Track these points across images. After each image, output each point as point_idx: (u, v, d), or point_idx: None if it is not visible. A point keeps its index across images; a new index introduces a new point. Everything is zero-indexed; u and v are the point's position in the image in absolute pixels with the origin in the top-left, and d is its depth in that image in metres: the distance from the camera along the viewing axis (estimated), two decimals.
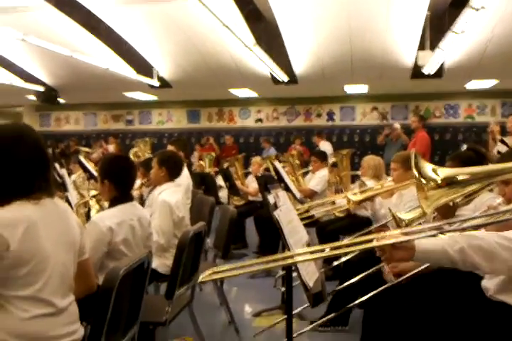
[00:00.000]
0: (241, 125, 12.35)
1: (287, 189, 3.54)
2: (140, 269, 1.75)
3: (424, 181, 1.42)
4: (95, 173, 4.65)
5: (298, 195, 3.71)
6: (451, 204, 2.48)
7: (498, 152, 5.49)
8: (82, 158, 5.10)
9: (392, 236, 1.47)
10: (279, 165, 3.64)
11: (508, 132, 5.94)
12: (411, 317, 1.98)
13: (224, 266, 1.56)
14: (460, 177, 1.39)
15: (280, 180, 3.65)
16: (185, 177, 3.80)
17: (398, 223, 2.45)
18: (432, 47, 7.39)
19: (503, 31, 7.04)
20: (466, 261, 1.50)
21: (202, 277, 1.51)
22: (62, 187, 3.63)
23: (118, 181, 2.36)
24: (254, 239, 5.62)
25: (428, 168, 1.43)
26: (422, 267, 2.10)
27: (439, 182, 1.39)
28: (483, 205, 2.59)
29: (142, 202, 3.65)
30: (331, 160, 4.90)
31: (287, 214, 1.90)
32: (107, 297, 1.47)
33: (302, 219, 4.08)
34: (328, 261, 3.45)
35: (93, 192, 3.29)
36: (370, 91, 10.74)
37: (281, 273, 4.54)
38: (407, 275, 2.14)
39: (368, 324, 2.35)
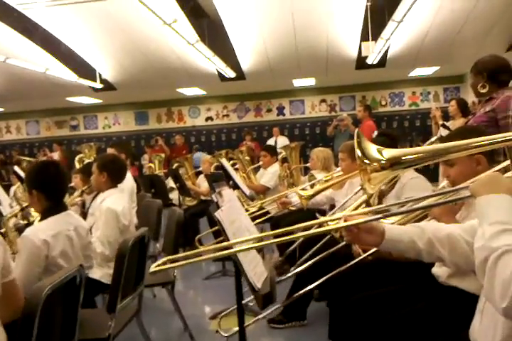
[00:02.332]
0: (191, 124, 12.15)
1: (236, 186, 3.44)
2: (71, 284, 1.61)
3: (367, 162, 1.34)
4: None
5: (247, 191, 3.62)
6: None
7: (441, 136, 5.61)
8: (17, 169, 4.80)
9: (360, 215, 1.41)
10: (225, 162, 3.53)
11: (450, 116, 6.07)
12: (372, 309, 1.94)
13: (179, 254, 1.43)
14: (405, 158, 1.32)
15: (228, 177, 3.55)
16: (128, 180, 3.63)
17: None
18: (374, 38, 7.48)
19: (443, 19, 7.19)
20: (433, 253, 1.45)
21: (154, 266, 1.37)
22: None
23: (48, 190, 2.18)
24: (209, 239, 5.51)
25: (372, 148, 1.36)
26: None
27: (384, 163, 1.31)
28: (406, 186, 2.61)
29: (85, 210, 3.47)
30: (281, 154, 4.84)
31: (231, 214, 1.80)
32: (30, 320, 1.32)
33: (257, 217, 4.05)
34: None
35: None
36: (317, 84, 10.80)
37: None
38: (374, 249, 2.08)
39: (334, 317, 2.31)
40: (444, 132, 5.65)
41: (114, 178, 2.96)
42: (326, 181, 3.58)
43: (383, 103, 11.74)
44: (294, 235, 1.36)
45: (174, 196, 6.04)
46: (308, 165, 4.54)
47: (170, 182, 6.24)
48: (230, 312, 3.36)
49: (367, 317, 1.92)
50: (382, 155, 1.33)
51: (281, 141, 9.96)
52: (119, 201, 2.86)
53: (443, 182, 2.31)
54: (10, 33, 7.03)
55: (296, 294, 2.59)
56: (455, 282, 1.80)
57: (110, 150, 4.30)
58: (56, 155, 10.35)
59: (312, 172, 4.48)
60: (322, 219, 1.51)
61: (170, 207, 5.90)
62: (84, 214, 3.38)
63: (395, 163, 1.32)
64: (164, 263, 1.36)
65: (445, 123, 5.75)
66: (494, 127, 2.68)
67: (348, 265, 2.23)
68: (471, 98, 10.98)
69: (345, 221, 1.38)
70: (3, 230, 2.59)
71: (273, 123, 11.44)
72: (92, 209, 3.41)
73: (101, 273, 2.69)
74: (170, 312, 3.21)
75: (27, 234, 2.08)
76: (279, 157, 4.85)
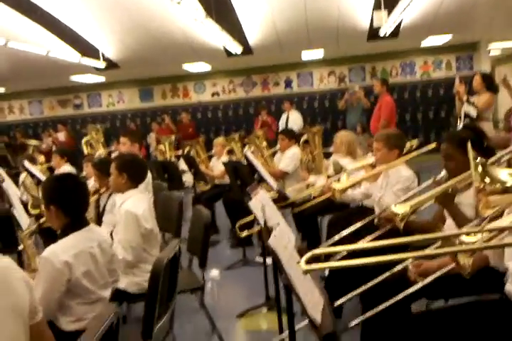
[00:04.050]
0: (197, 100, 11.83)
1: (262, 180, 3.22)
2: None
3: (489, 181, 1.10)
4: (43, 178, 4.19)
5: (275, 185, 3.41)
6: (449, 190, 2.24)
7: (466, 114, 5.33)
8: (27, 163, 4.57)
9: None
10: (251, 155, 3.30)
11: (474, 91, 5.75)
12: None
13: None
14: None
15: (253, 170, 3.33)
16: None
17: (393, 217, 2.20)
18: (387, 7, 7.10)
19: None
20: None
21: (304, 263, 1.14)
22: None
23: (67, 205, 1.97)
24: (225, 223, 5.35)
25: (502, 172, 1.12)
26: (448, 268, 1.83)
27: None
28: None
29: (99, 208, 3.27)
30: (302, 137, 4.59)
31: (282, 238, 1.57)
32: None
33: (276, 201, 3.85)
34: None
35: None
36: (326, 56, 10.41)
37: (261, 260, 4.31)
38: (433, 276, 1.87)
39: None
40: (468, 108, 5.39)
41: (135, 179, 2.74)
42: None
43: (394, 73, 11.36)
44: (402, 255, 1.11)
45: (186, 179, 5.84)
46: (331, 150, 4.31)
47: (181, 165, 6.04)
48: (256, 310, 3.24)
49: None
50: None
51: (294, 116, 9.63)
52: (139, 203, 2.64)
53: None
54: (11, 14, 6.70)
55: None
56: None
57: (123, 140, 4.06)
58: (61, 136, 10.12)
59: (335, 157, 4.26)
60: (455, 231, 1.26)
61: (184, 189, 5.74)
62: (99, 214, 3.18)
63: None
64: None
65: (470, 98, 5.47)
66: None
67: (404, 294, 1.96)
68: (483, 67, 10.68)
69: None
70: (21, 247, 2.38)
71: (281, 97, 11.11)
72: (109, 206, 3.21)
73: (126, 281, 2.51)
74: (194, 310, 3.03)
75: (46, 255, 1.87)
76: (301, 141, 4.61)
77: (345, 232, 2.63)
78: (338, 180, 3.04)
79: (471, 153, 1.19)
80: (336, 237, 2.63)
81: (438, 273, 1.84)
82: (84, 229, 2.02)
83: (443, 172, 2.39)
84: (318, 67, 11.34)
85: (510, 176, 1.09)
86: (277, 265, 1.45)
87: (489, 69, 10.53)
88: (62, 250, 1.90)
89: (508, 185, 1.06)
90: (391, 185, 2.95)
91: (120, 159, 2.81)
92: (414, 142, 3.42)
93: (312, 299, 1.51)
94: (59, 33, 7.68)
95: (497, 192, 1.08)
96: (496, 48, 11.06)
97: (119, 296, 2.42)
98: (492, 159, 2.24)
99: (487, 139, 2.34)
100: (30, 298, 1.31)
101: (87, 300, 1.95)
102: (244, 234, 3.97)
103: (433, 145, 3.01)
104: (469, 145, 1.18)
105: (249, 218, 3.98)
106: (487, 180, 1.10)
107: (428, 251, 1.24)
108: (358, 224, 2.61)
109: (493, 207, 1.12)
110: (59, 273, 1.85)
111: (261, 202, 2.34)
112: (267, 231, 1.86)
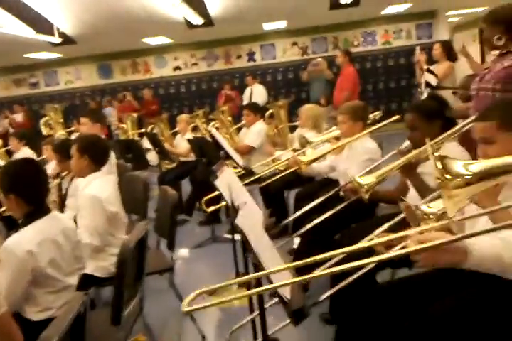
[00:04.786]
0: (158, 75, 11.55)
1: (228, 156, 3.19)
2: None
3: (449, 177, 1.09)
4: (1, 163, 4.03)
5: (241, 162, 3.38)
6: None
7: (426, 82, 5.38)
8: None
9: (435, 235, 1.12)
10: (216, 132, 3.25)
11: (434, 60, 5.80)
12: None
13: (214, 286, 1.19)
14: (497, 169, 1.07)
15: (219, 147, 3.28)
16: None
17: (358, 189, 2.22)
18: None
19: None
20: None
21: (186, 304, 1.12)
22: None
23: (27, 193, 1.90)
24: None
25: (457, 164, 1.11)
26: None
27: (470, 177, 1.07)
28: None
29: (62, 192, 3.18)
30: (268, 111, 4.55)
31: (248, 217, 1.56)
32: None
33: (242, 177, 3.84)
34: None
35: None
36: (288, 27, 10.28)
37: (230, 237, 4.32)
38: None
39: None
40: (428, 77, 5.43)
41: (97, 161, 2.66)
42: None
43: (355, 43, 11.34)
44: (342, 267, 1.10)
45: (151, 158, 5.75)
46: (296, 123, 4.29)
47: (144, 143, 5.93)
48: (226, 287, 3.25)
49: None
50: (469, 170, 1.08)
51: (258, 90, 9.53)
52: (103, 186, 2.58)
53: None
54: None
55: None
56: None
57: (84, 120, 3.93)
58: (19, 117, 9.75)
59: (301, 132, 4.26)
60: (378, 239, 1.26)
61: (149, 167, 5.65)
62: (62, 198, 3.10)
63: (484, 177, 1.08)
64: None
65: (430, 67, 5.51)
66: None
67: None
68: (442, 35, 10.78)
69: (419, 243, 1.12)
70: None
71: (244, 71, 10.97)
72: (71, 190, 3.13)
73: (93, 266, 2.48)
74: (165, 291, 3.01)
75: (9, 245, 1.81)
76: (266, 115, 4.57)
77: (310, 205, 2.64)
78: (304, 153, 3.04)
79: (429, 148, 1.18)
80: (301, 211, 2.64)
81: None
82: (47, 216, 1.96)
83: (406, 142, 2.41)
84: (280, 38, 11.21)
85: (465, 168, 1.08)
86: (245, 244, 1.44)
87: (448, 37, 10.63)
88: (25, 239, 1.84)
89: (468, 177, 1.06)
90: (356, 157, 2.97)
91: (81, 141, 2.71)
92: (378, 113, 3.44)
93: (281, 276, 1.52)
94: (10, 7, 7.28)
95: (460, 186, 1.07)
96: (454, 15, 11.14)
97: (87, 281, 2.38)
98: (453, 130, 2.27)
99: (449, 109, 2.36)
100: None
101: (54, 288, 1.92)
102: (211, 209, 3.94)
103: (397, 117, 3.03)
104: (428, 144, 1.16)
105: (215, 193, 3.96)
106: (447, 176, 1.09)
107: (393, 254, 1.21)
108: (323, 197, 2.62)
109: (460, 202, 1.12)
110: (23, 262, 1.80)
111: (227, 181, 2.32)
112: (234, 210, 1.85)
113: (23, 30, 7.61)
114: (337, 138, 3.26)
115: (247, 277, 1.29)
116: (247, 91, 9.64)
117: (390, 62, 11.23)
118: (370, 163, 2.92)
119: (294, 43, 11.31)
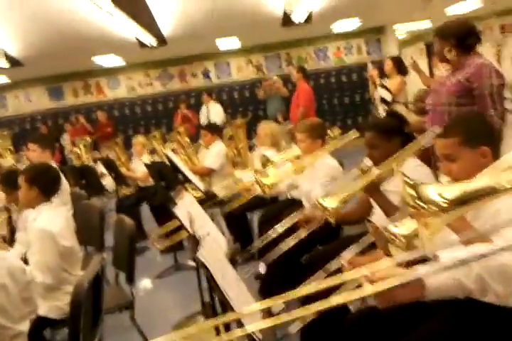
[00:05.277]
0: (112, 97, 11.30)
1: (187, 180, 3.07)
2: None
3: (425, 206, 1.03)
4: None
5: (201, 186, 3.27)
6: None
7: (381, 98, 5.46)
8: None
9: (388, 272, 1.08)
10: (172, 155, 3.12)
11: (385, 75, 5.90)
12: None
13: None
14: (473, 195, 1.01)
15: (176, 170, 3.16)
16: None
17: (323, 211, 2.14)
18: None
19: None
20: (485, 290, 1.18)
21: None
22: None
23: None
24: (153, 226, 5.11)
25: (431, 191, 1.04)
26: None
27: (447, 205, 1.00)
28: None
29: (12, 224, 2.98)
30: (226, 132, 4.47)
31: (211, 249, 1.46)
32: None
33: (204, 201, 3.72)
34: None
35: None
36: (242, 45, 10.32)
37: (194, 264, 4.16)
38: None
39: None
40: (382, 92, 5.51)
41: (47, 192, 2.48)
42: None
43: (309, 60, 11.51)
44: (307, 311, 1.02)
45: (107, 183, 5.53)
46: (254, 142, 4.23)
47: (99, 167, 5.71)
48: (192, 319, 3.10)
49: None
50: (443, 197, 1.02)
51: (215, 108, 9.45)
52: (54, 219, 2.40)
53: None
54: None
55: None
56: None
57: (32, 146, 3.72)
58: None
59: (260, 149, 4.19)
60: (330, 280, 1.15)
61: (105, 194, 5.43)
62: (12, 232, 2.90)
63: (460, 203, 1.02)
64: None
65: (383, 82, 5.61)
66: (468, 97, 2.50)
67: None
68: (391, 49, 11.09)
69: (371, 282, 1.05)
70: None
71: (200, 89, 10.90)
72: (21, 223, 2.93)
73: (46, 306, 2.28)
74: (127, 328, 2.82)
75: None
76: (224, 135, 4.49)
77: (275, 232, 2.55)
78: (265, 174, 2.96)
79: (396, 170, 1.13)
80: (267, 239, 2.54)
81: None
82: None
83: (367, 160, 2.37)
84: (234, 56, 11.24)
85: (439, 194, 1.03)
86: (209, 280, 1.34)
87: (397, 51, 10.95)
88: None
89: (443, 204, 1.00)
90: (318, 178, 2.92)
91: (29, 171, 2.53)
92: (336, 130, 3.41)
93: (249, 310, 1.41)
94: None
95: (436, 214, 1.01)
96: (401, 30, 11.50)
97: (40, 324, 2.20)
98: (413, 146, 2.25)
99: (407, 125, 2.35)
100: None
101: (4, 337, 1.72)
102: (168, 243, 3.78)
103: (356, 134, 3.01)
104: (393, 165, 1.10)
105: (173, 224, 3.80)
106: (421, 203, 1.03)
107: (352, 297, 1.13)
108: (287, 223, 2.54)
109: (437, 231, 1.06)
110: None
111: (187, 208, 2.21)
112: (195, 242, 1.74)
113: None
114: (297, 157, 3.20)
115: (216, 321, 1.18)
116: (204, 110, 9.55)
117: (342, 79, 11.43)
118: (332, 182, 2.89)
119: (249, 61, 11.36)
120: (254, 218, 4.01)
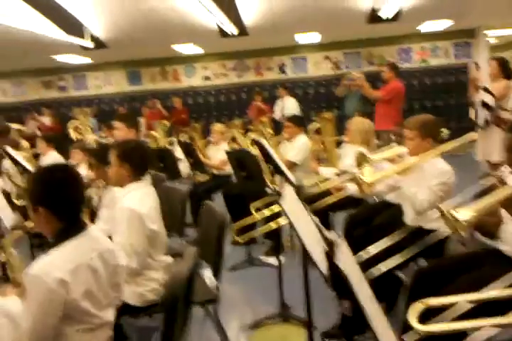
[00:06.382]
0: (187, 84, 11.34)
1: (279, 171, 2.85)
2: None
3: None
4: (30, 167, 3.76)
5: (293, 178, 3.04)
6: None
7: (483, 102, 5.01)
8: (9, 149, 4.13)
9: None
10: (266, 143, 2.91)
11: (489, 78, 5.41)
12: None
13: None
14: None
15: (268, 160, 2.95)
16: None
17: (454, 223, 1.84)
18: None
19: None
20: None
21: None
22: None
23: (60, 207, 1.56)
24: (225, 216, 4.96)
25: None
26: None
27: None
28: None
29: (92, 204, 2.88)
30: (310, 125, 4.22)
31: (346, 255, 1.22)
32: None
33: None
34: None
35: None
36: (322, 40, 10.00)
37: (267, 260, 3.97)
38: None
39: None
40: (486, 97, 5.03)
41: (139, 170, 2.34)
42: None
43: (391, 60, 11.01)
44: None
45: (182, 168, 5.44)
46: (343, 137, 3.95)
47: (175, 152, 5.62)
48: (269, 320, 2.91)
49: None
50: None
51: (290, 102, 9.21)
52: (144, 200, 2.25)
53: None
54: None
55: None
56: None
57: (118, 124, 3.65)
58: (47, 120, 9.57)
59: (347, 146, 3.92)
60: None
61: (179, 179, 5.34)
62: (91, 209, 2.80)
63: None
64: None
65: (487, 86, 5.13)
66: None
67: None
68: (481, 54, 10.41)
69: None
70: (2, 257, 1.96)
71: (274, 83, 10.71)
72: (106, 200, 2.82)
73: (127, 292, 2.12)
74: (203, 322, 2.66)
75: (36, 272, 1.45)
76: (310, 129, 4.24)
77: (380, 247, 2.29)
78: (362, 172, 2.68)
79: None
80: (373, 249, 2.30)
81: None
82: (81, 234, 1.61)
83: (505, 167, 2.05)
84: (312, 51, 10.94)
85: None
86: (351, 294, 1.11)
87: (487, 56, 10.27)
88: (56, 265, 1.49)
89: None
90: (427, 180, 2.61)
91: (122, 146, 2.38)
92: (445, 131, 3.09)
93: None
94: (43, 9, 7.15)
95: None
96: (492, 36, 10.80)
97: (119, 309, 2.06)
98: None
99: None
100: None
101: (89, 326, 1.56)
102: (243, 239, 3.61)
103: (475, 137, 2.69)
104: None
105: (249, 220, 3.62)
106: None
107: None
108: (396, 237, 2.27)
109: None
110: (54, 294, 1.45)
111: (289, 202, 1.98)
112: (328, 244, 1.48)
113: (55, 32, 7.46)
114: (399, 156, 2.90)
115: None
116: (279, 103, 9.35)
117: (426, 81, 10.86)
118: (443, 188, 2.58)
119: (326, 57, 11.03)
120: (336, 220, 3.76)
